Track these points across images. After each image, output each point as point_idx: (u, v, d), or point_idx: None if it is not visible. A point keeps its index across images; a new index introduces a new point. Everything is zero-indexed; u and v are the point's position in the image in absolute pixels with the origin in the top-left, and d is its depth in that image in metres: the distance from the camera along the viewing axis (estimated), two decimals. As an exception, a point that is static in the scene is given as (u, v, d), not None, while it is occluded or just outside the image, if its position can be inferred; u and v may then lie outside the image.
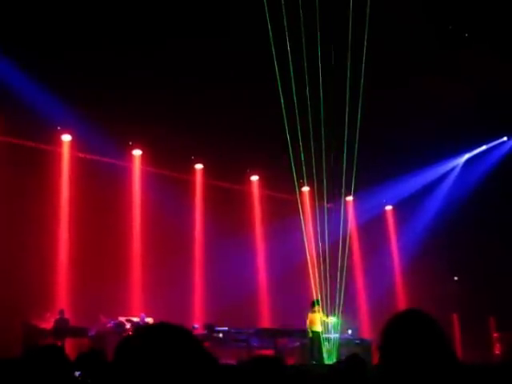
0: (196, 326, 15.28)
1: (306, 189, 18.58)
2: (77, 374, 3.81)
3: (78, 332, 13.26)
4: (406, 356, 1.96)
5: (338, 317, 14.89)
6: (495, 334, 17.30)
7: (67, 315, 13.47)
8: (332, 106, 13.09)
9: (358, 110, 13.19)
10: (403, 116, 14.48)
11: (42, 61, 12.29)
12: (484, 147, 18.56)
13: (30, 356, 2.86)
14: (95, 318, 13.70)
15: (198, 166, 17.93)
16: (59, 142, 15.39)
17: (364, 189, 17.17)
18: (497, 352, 16.80)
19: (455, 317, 18.71)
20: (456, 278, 19.02)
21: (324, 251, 15.41)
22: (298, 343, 14.97)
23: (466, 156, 19.09)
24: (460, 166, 19.30)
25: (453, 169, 19.39)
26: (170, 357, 1.38)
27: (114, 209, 15.90)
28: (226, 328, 14.68)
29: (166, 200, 16.10)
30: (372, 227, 19.57)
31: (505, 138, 18.17)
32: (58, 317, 13.27)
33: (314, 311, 14.22)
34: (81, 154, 15.65)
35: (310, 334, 13.99)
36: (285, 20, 11.27)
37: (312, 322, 14.10)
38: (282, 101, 12.76)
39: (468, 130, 15.68)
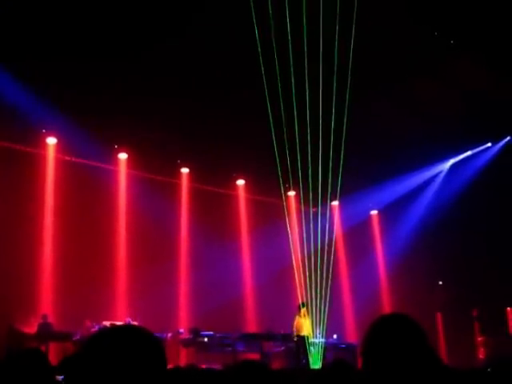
0: (181, 330, 15.22)
1: (291, 193, 18.61)
2: (60, 378, 3.77)
3: (62, 336, 13.15)
4: (389, 361, 1.96)
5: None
6: (479, 338, 17.38)
7: (52, 319, 13.36)
8: (318, 111, 13.15)
9: (344, 114, 13.25)
10: (389, 121, 14.55)
11: (28, 63, 12.19)
12: (469, 153, 18.72)
13: (11, 360, 2.84)
14: (80, 323, 13.58)
15: (184, 170, 17.88)
16: (44, 145, 15.25)
17: (350, 193, 17.22)
18: (481, 356, 16.87)
19: (439, 321, 18.79)
20: (441, 283, 19.12)
21: (310, 256, 15.41)
22: (283, 348, 14.96)
23: (451, 161, 19.23)
24: (445, 171, 19.43)
25: (438, 174, 19.52)
26: (129, 352, 1.56)
27: (100, 213, 15.79)
28: (212, 332, 14.63)
29: (152, 204, 16.01)
30: (357, 232, 19.61)
31: (489, 144, 18.34)
32: (41, 321, 13.17)
33: (300, 315, 14.21)
34: (66, 157, 15.54)
35: (295, 339, 13.99)
36: (271, 24, 11.31)
37: (298, 327, 14.09)
38: (269, 105, 12.79)
39: (453, 135, 15.83)
